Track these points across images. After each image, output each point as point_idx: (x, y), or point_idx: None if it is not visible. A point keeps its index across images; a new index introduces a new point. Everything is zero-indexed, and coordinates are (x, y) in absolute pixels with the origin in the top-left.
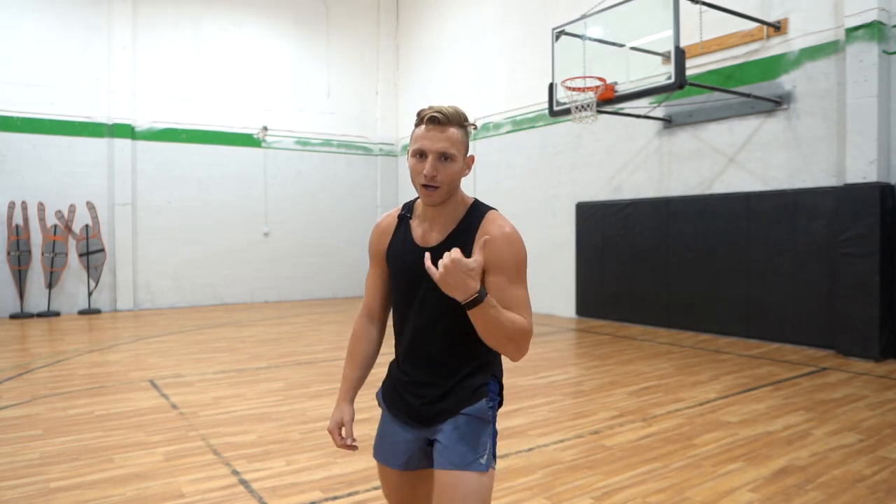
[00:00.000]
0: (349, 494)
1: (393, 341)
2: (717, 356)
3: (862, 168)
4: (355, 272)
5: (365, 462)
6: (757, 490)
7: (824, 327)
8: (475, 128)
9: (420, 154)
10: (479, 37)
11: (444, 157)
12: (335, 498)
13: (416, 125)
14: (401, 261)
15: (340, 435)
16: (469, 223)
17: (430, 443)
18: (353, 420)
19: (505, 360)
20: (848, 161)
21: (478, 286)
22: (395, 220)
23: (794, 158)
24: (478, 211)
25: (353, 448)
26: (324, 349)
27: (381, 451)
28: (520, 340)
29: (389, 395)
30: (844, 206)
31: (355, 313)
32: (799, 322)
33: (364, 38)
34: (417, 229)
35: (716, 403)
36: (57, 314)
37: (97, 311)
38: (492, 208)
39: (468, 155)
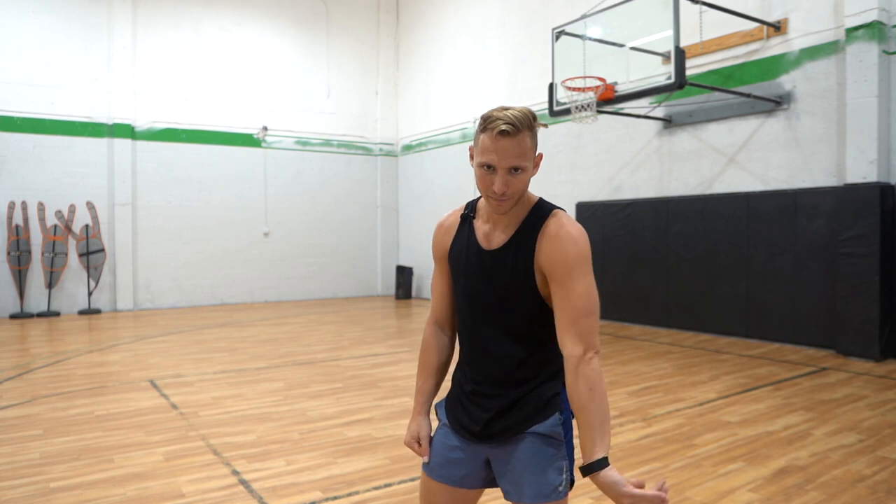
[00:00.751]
0: (349, 494)
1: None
2: (717, 356)
3: (862, 168)
4: (355, 272)
5: (365, 462)
6: (757, 490)
7: (824, 327)
8: (545, 126)
9: (488, 167)
10: (479, 37)
11: (515, 170)
12: (335, 498)
13: (482, 130)
14: (464, 263)
15: (419, 445)
16: (533, 223)
17: (488, 462)
18: (430, 434)
19: None
20: (848, 161)
21: (616, 493)
22: (458, 219)
23: (794, 158)
24: (542, 209)
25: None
26: (324, 349)
27: (435, 465)
28: (597, 385)
29: (452, 406)
30: (844, 206)
31: (355, 313)
32: (799, 322)
33: (364, 38)
34: (481, 230)
35: (716, 403)
36: (57, 314)
37: (97, 311)
38: (557, 207)
39: (537, 155)
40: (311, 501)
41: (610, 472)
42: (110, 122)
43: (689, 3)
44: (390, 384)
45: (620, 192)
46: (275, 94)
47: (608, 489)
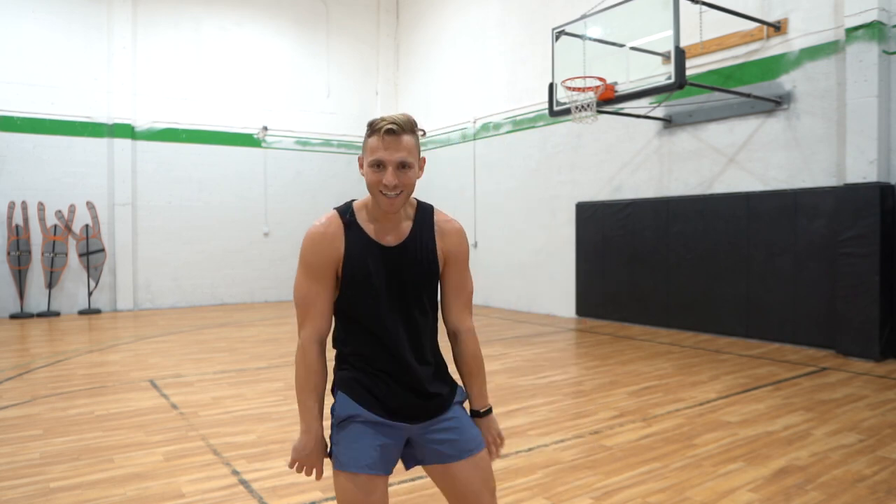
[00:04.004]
0: None
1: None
2: (717, 356)
3: (862, 168)
4: None
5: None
6: (757, 490)
7: (824, 327)
8: (423, 133)
9: (378, 164)
10: (479, 37)
11: (402, 165)
12: (335, 498)
13: (369, 135)
14: (370, 262)
15: (312, 470)
16: (422, 219)
17: (408, 441)
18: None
19: (505, 361)
20: (848, 161)
21: (496, 430)
22: (341, 226)
23: (794, 158)
24: (425, 207)
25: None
26: None
27: (363, 459)
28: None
29: (384, 400)
30: (844, 206)
31: None
32: (799, 322)
33: (364, 38)
34: (370, 230)
35: (716, 403)
36: (57, 314)
37: (97, 311)
38: (429, 204)
39: (421, 157)
40: (311, 501)
41: (494, 417)
42: (110, 122)
43: (689, 3)
44: None
45: (620, 192)
46: (275, 94)
47: (492, 426)
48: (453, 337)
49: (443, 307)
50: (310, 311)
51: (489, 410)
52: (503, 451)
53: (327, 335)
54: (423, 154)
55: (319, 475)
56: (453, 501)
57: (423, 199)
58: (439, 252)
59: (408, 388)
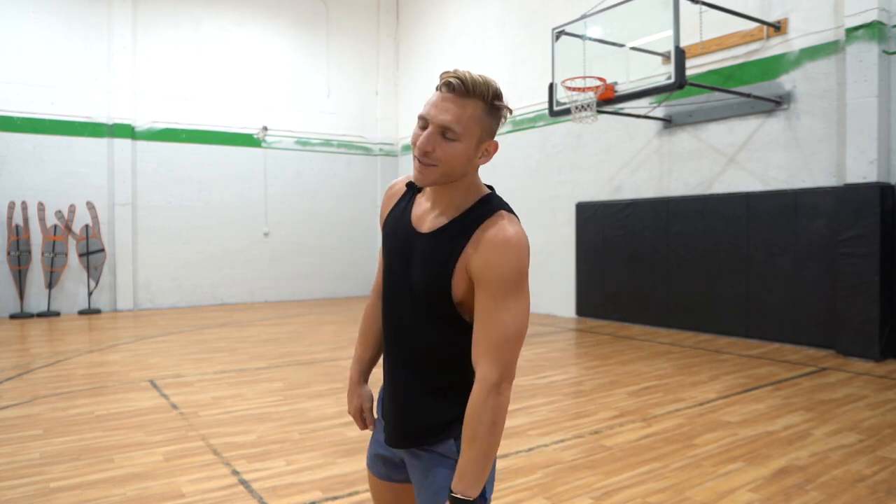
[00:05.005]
0: (349, 494)
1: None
2: (717, 356)
3: (862, 168)
4: (355, 272)
5: (365, 462)
6: (757, 490)
7: (824, 327)
8: (509, 111)
9: (423, 123)
10: (479, 37)
11: (446, 133)
12: (335, 498)
13: (436, 89)
14: (391, 238)
15: (363, 419)
16: (473, 217)
17: (402, 460)
18: (372, 402)
19: None
20: (848, 161)
21: None
22: (404, 187)
23: (794, 158)
24: (487, 205)
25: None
26: (324, 349)
27: (370, 457)
28: (499, 424)
29: (379, 399)
30: (844, 206)
31: (355, 313)
32: (799, 322)
33: (364, 38)
34: (420, 207)
35: (716, 403)
36: (57, 314)
37: (97, 311)
38: (505, 206)
39: (488, 141)
40: (311, 501)
41: None
42: (110, 122)
43: (689, 3)
44: None
45: (620, 192)
46: (275, 94)
47: None
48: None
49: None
50: (379, 264)
51: (451, 496)
52: (504, 450)
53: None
54: (493, 139)
55: (360, 424)
56: None
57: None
58: (459, 264)
59: (391, 400)
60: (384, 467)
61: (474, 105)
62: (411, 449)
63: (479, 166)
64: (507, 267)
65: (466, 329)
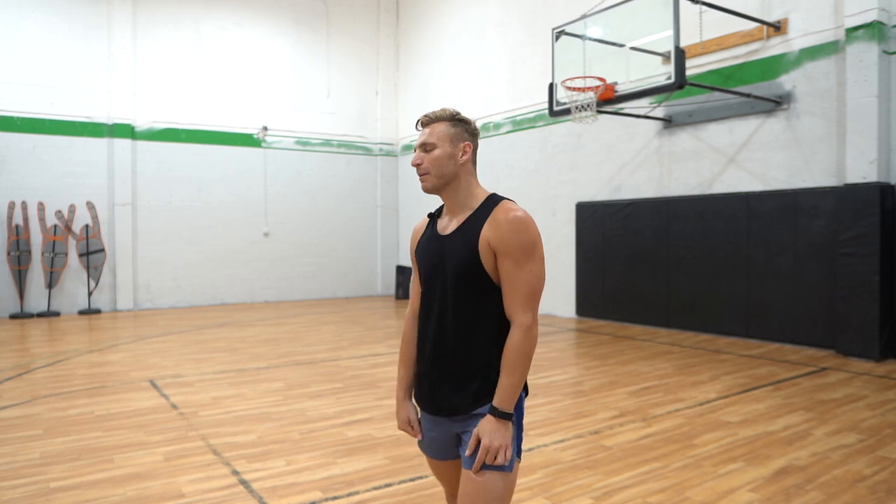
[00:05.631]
0: (349, 494)
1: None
2: (717, 356)
3: (862, 168)
4: (355, 272)
5: (365, 462)
6: (757, 490)
7: (824, 327)
8: (471, 123)
9: (414, 150)
10: (479, 37)
11: (424, 147)
12: (335, 498)
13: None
14: (424, 249)
15: (412, 428)
16: (482, 212)
17: (458, 436)
18: (418, 417)
19: None
20: (848, 161)
21: (504, 428)
22: (426, 220)
23: (794, 158)
24: (492, 200)
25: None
26: (324, 349)
27: (423, 443)
28: (527, 356)
29: (417, 390)
30: (844, 206)
31: (355, 313)
32: (799, 322)
33: (364, 38)
34: (440, 224)
35: (716, 403)
36: (57, 314)
37: (97, 311)
38: (507, 199)
39: (462, 143)
40: (311, 501)
41: (494, 420)
42: (110, 122)
43: (689, 3)
44: (390, 384)
45: (620, 192)
46: (275, 94)
47: (481, 426)
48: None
49: (503, 299)
50: (412, 292)
51: (493, 411)
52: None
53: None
54: (466, 141)
55: (412, 433)
56: None
57: (423, 197)
58: (483, 242)
59: (426, 376)
60: (440, 449)
61: (438, 125)
62: (470, 416)
63: (466, 166)
64: (521, 238)
65: (497, 300)
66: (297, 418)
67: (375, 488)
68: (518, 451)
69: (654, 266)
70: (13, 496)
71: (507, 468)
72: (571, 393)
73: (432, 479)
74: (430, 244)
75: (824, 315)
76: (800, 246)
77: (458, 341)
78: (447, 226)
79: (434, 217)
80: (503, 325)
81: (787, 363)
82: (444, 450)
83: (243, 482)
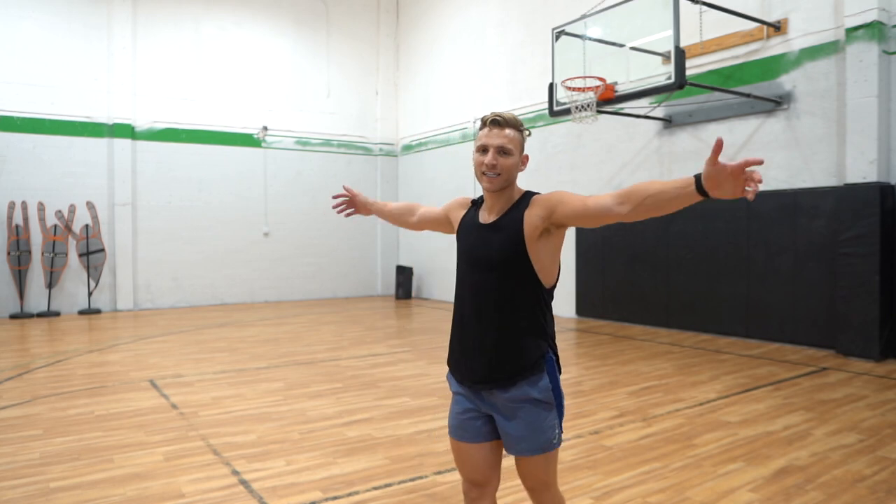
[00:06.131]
0: (349, 494)
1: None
2: (717, 356)
3: (862, 168)
4: (355, 272)
5: (365, 462)
6: (757, 490)
7: (824, 327)
8: (529, 133)
9: (483, 149)
10: (480, 37)
11: (502, 150)
12: (335, 498)
13: (480, 128)
14: (465, 234)
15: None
16: (521, 204)
17: (491, 417)
18: (358, 195)
19: None
20: (848, 161)
21: (723, 169)
22: (469, 203)
23: (794, 158)
24: (529, 194)
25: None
26: (324, 349)
27: (454, 428)
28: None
29: (454, 366)
30: (844, 206)
31: (355, 313)
32: (799, 322)
33: (364, 38)
34: (482, 214)
35: (716, 403)
36: (57, 314)
37: (97, 311)
38: (535, 192)
39: (524, 154)
40: (311, 501)
41: (708, 171)
42: (110, 122)
43: (689, 3)
44: (390, 384)
45: None
46: (275, 94)
47: (716, 174)
48: (624, 206)
49: (598, 220)
50: (427, 209)
51: (698, 178)
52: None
53: (415, 215)
54: (525, 152)
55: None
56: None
57: (423, 197)
58: (528, 224)
59: (466, 349)
60: (470, 431)
61: (511, 131)
62: (514, 400)
63: (518, 174)
64: (557, 194)
65: (532, 280)
66: (297, 418)
67: (375, 488)
68: (561, 427)
69: (654, 266)
70: (13, 496)
71: (554, 446)
72: (571, 393)
73: (432, 479)
74: (472, 230)
75: (824, 315)
76: (800, 246)
77: (497, 320)
78: (489, 216)
79: (477, 204)
80: (536, 310)
81: (787, 363)
82: (477, 431)
83: (243, 482)
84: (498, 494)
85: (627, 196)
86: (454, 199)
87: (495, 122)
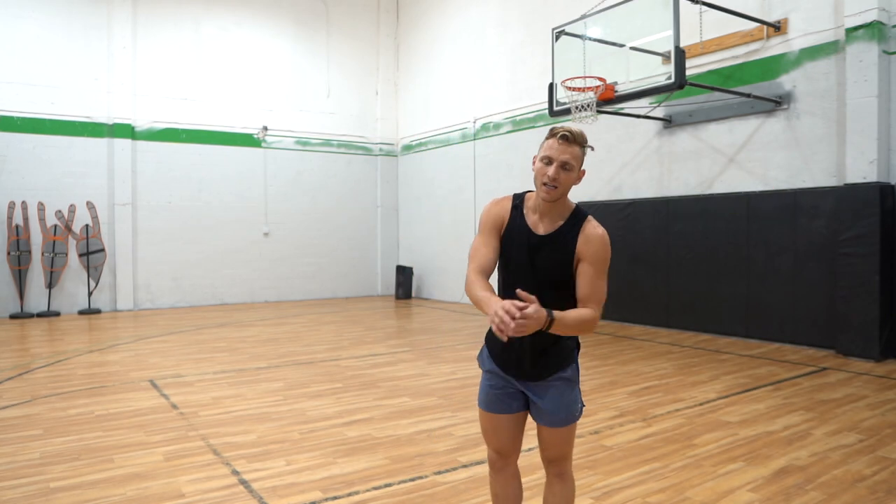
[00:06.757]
0: (349, 494)
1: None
2: (717, 356)
3: (862, 168)
4: (355, 272)
5: (365, 462)
6: (757, 490)
7: (824, 327)
8: (592, 149)
9: (548, 160)
10: (479, 36)
11: (565, 166)
12: (335, 498)
13: (548, 138)
14: (517, 242)
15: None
16: (573, 222)
17: (523, 392)
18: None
19: None
20: (848, 161)
21: (544, 320)
22: (510, 206)
23: (794, 158)
24: (580, 213)
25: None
26: (324, 349)
27: (485, 403)
28: (587, 329)
29: (497, 356)
30: (844, 206)
31: (355, 313)
32: (799, 322)
33: (364, 38)
34: (530, 218)
35: (716, 403)
36: (57, 314)
37: (97, 311)
38: (589, 213)
39: (582, 168)
40: (311, 501)
41: (542, 313)
42: (110, 122)
43: (689, 3)
44: (390, 384)
45: (620, 192)
46: (275, 94)
47: (538, 317)
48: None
49: (579, 293)
50: (477, 254)
51: (549, 314)
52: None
53: (488, 269)
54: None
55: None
56: (540, 450)
57: (423, 197)
58: (578, 249)
59: (517, 350)
60: (502, 404)
61: (576, 148)
62: (547, 379)
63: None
64: (604, 252)
65: (571, 290)
66: (297, 418)
67: (375, 488)
68: (582, 402)
69: (654, 266)
70: (13, 496)
71: (577, 418)
72: None
73: (432, 479)
74: (523, 237)
75: (824, 315)
76: (800, 246)
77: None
78: (537, 225)
79: (518, 207)
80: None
81: (787, 363)
82: (509, 404)
83: (243, 482)
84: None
85: (593, 319)
86: (486, 212)
87: (565, 137)
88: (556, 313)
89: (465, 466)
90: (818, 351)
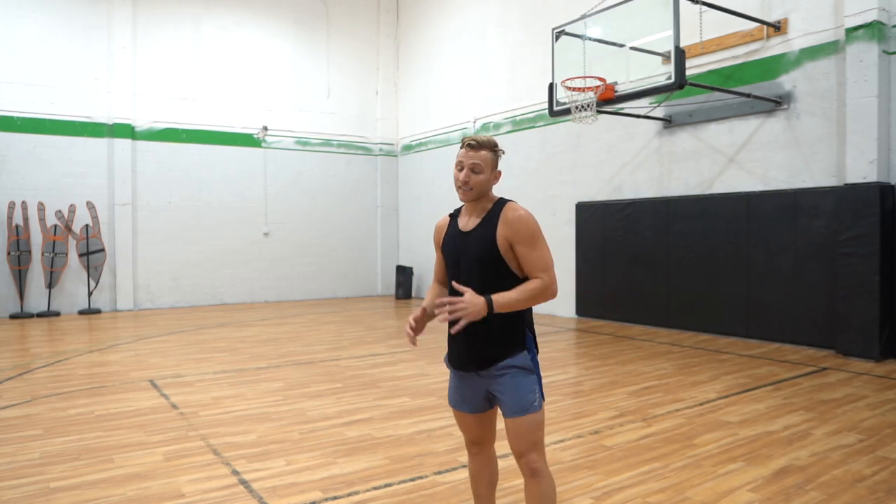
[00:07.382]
0: (349, 494)
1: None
2: (717, 356)
3: (862, 168)
4: (355, 272)
5: (365, 462)
6: (757, 490)
7: (824, 327)
8: (503, 152)
9: (460, 166)
10: (479, 36)
11: (474, 169)
12: (335, 498)
13: (461, 148)
14: (449, 244)
15: (413, 322)
16: (494, 212)
17: (486, 389)
18: (422, 318)
19: None
20: (848, 161)
21: (483, 307)
22: (448, 219)
23: (794, 158)
24: (500, 203)
25: (411, 336)
26: (323, 349)
27: (452, 400)
28: (541, 297)
29: (451, 355)
30: (844, 206)
31: (355, 313)
32: (799, 322)
33: (364, 38)
34: (461, 221)
35: (716, 403)
36: (57, 314)
37: (97, 311)
38: (511, 200)
39: (496, 170)
40: (311, 501)
41: (479, 299)
42: (110, 122)
43: (689, 3)
44: (390, 384)
45: (620, 192)
46: (275, 94)
47: (476, 303)
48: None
49: (526, 273)
50: (435, 270)
51: (487, 298)
52: (502, 450)
53: (442, 280)
54: (498, 169)
55: (410, 332)
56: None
57: (423, 197)
58: (500, 236)
59: (458, 342)
60: (465, 401)
61: (484, 152)
62: (499, 368)
63: (492, 187)
64: (528, 228)
65: (509, 276)
66: (297, 418)
67: (375, 488)
68: (542, 395)
69: (654, 266)
70: (13, 496)
71: (536, 409)
72: (571, 393)
73: (432, 479)
74: (455, 240)
75: (824, 315)
76: (800, 246)
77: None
78: (466, 224)
79: (454, 216)
80: None
81: (787, 363)
82: (474, 404)
83: (243, 482)
84: (498, 494)
85: (546, 289)
86: (435, 228)
87: (470, 145)
88: (494, 295)
89: (464, 466)
90: (818, 351)
